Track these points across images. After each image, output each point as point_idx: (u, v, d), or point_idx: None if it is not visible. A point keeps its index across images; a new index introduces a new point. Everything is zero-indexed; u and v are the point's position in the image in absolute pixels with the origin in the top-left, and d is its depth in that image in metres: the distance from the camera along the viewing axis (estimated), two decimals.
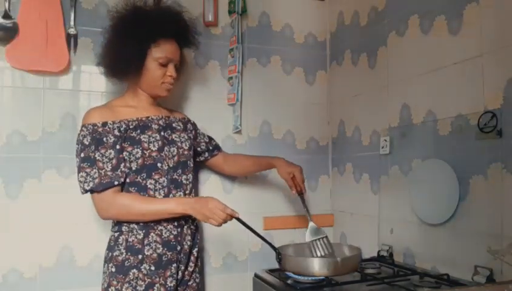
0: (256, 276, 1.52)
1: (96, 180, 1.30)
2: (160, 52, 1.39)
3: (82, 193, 1.33)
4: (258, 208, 1.86)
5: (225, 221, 1.30)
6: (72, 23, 1.60)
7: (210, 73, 1.84)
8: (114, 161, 1.33)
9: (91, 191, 1.31)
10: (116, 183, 1.32)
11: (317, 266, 1.25)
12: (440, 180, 1.35)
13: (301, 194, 1.56)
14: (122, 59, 1.37)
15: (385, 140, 1.61)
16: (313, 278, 1.31)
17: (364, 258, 1.61)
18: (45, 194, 1.56)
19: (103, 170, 1.31)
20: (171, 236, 1.38)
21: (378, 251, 1.60)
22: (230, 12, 1.86)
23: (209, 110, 1.81)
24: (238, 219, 1.32)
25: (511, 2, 1.15)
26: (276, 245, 1.44)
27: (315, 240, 1.45)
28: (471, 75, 1.27)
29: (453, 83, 1.33)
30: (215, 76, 1.84)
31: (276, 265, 1.42)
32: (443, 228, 1.33)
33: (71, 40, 1.60)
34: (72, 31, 1.61)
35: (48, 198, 1.56)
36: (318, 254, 1.43)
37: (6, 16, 1.51)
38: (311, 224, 1.48)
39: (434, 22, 1.40)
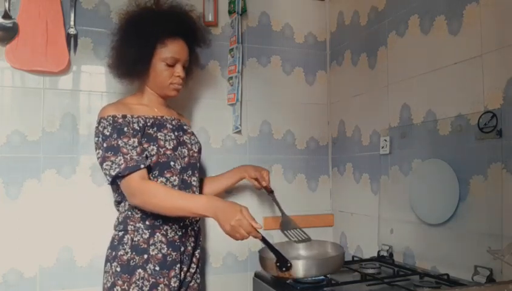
0: (256, 276, 1.52)
1: (122, 166, 1.26)
2: (167, 52, 1.39)
3: (108, 182, 1.29)
4: (258, 208, 1.86)
5: (244, 238, 1.18)
6: (72, 23, 1.61)
7: (210, 73, 1.84)
8: (138, 149, 1.30)
9: (117, 177, 1.27)
10: (142, 166, 1.28)
11: (302, 269, 1.24)
12: (440, 180, 1.35)
13: (271, 192, 1.60)
14: (129, 60, 1.37)
15: (385, 140, 1.61)
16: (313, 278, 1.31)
17: (364, 258, 1.62)
18: (45, 194, 1.56)
19: (128, 155, 1.27)
20: (176, 237, 1.37)
21: (378, 251, 1.60)
22: (230, 12, 1.86)
23: (209, 110, 1.81)
24: (263, 240, 1.21)
25: (511, 2, 1.15)
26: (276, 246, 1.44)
27: (289, 230, 1.46)
28: (471, 75, 1.27)
29: (453, 83, 1.33)
30: (215, 76, 1.84)
31: None
32: (443, 228, 1.33)
33: (71, 40, 1.61)
34: (72, 31, 1.61)
35: (48, 198, 1.56)
36: (294, 240, 1.42)
37: (6, 16, 1.51)
38: (285, 217, 1.51)
39: (434, 22, 1.40)
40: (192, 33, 1.48)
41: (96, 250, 1.56)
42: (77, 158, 1.60)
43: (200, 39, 1.52)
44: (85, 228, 1.59)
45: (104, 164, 1.28)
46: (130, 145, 1.30)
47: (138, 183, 1.26)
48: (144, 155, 1.31)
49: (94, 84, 1.65)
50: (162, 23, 1.38)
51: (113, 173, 1.26)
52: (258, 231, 1.18)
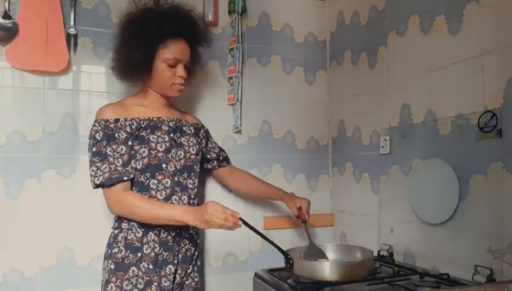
0: (256, 275, 1.52)
1: (106, 175, 1.31)
2: (168, 53, 1.39)
3: (93, 187, 1.34)
4: (258, 208, 1.85)
5: (227, 222, 1.22)
6: (72, 23, 1.60)
7: (210, 72, 1.83)
8: (125, 157, 1.34)
9: (102, 185, 1.32)
10: (125, 178, 1.32)
11: (329, 270, 1.26)
12: (440, 180, 1.35)
13: (304, 221, 1.60)
14: (131, 62, 1.38)
15: (385, 140, 1.61)
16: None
17: None
18: (45, 194, 1.56)
19: (113, 165, 1.32)
20: (169, 237, 1.38)
21: (378, 251, 1.60)
22: (230, 12, 1.86)
23: (209, 109, 1.81)
24: (242, 220, 1.26)
25: (511, 2, 1.16)
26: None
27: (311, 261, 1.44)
28: (471, 75, 1.27)
29: (453, 83, 1.33)
30: (215, 76, 1.84)
31: (276, 265, 1.42)
32: (443, 227, 1.33)
33: (71, 40, 1.60)
34: (72, 31, 1.61)
35: (48, 198, 1.56)
36: None
37: (6, 16, 1.51)
38: (312, 246, 1.51)
39: (434, 22, 1.40)
40: (193, 32, 1.48)
41: (96, 250, 1.56)
42: (77, 158, 1.60)
43: (201, 38, 1.53)
44: (85, 228, 1.59)
45: (90, 169, 1.34)
46: (117, 153, 1.34)
47: (119, 195, 1.32)
48: (130, 165, 1.35)
49: (94, 84, 1.65)
50: (163, 24, 1.38)
51: (97, 182, 1.32)
52: (233, 214, 1.23)
